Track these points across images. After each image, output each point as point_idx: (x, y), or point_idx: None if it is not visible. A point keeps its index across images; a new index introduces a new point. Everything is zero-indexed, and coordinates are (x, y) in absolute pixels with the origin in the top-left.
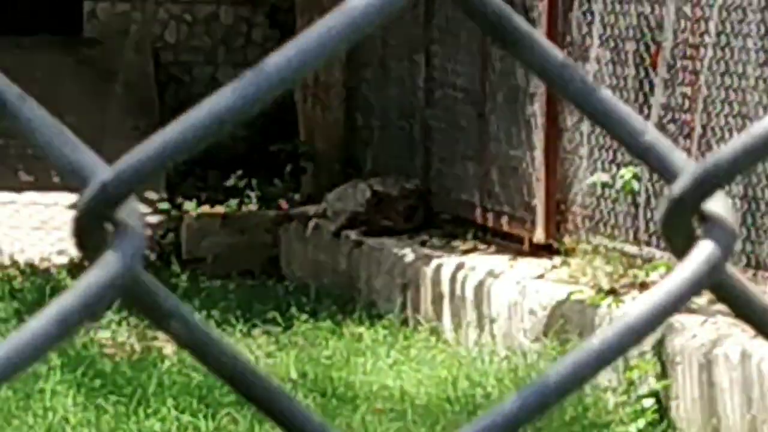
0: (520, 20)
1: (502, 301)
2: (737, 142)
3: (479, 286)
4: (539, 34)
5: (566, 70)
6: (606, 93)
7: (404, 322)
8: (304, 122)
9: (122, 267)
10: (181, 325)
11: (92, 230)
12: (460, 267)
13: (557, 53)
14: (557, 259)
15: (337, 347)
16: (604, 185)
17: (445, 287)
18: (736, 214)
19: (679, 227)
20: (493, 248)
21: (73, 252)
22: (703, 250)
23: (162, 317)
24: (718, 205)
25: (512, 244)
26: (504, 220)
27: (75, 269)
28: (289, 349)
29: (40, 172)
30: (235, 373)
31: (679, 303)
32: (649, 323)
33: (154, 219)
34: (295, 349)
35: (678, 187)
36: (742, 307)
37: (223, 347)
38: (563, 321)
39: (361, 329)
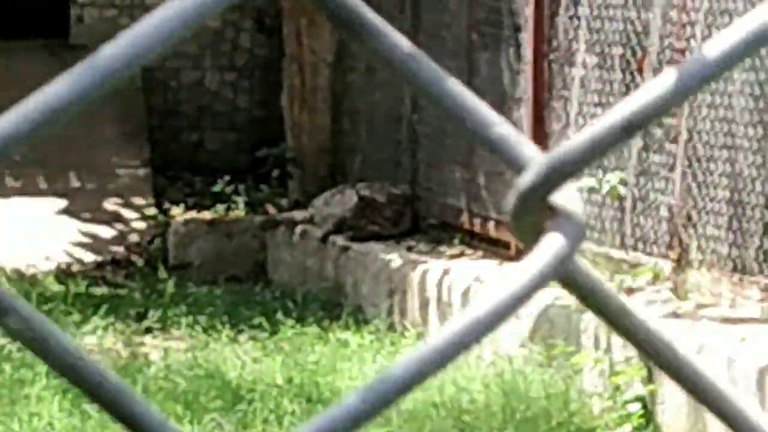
0: (368, 11)
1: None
2: (585, 133)
3: (466, 292)
4: (387, 25)
5: (414, 60)
6: (455, 83)
7: (391, 328)
8: (291, 127)
9: None
10: (17, 321)
11: None
12: (446, 272)
13: (406, 43)
14: None
15: (324, 353)
16: (590, 190)
17: (432, 292)
18: (722, 218)
19: (528, 219)
20: (480, 253)
21: (60, 258)
22: (551, 243)
23: None
24: (567, 197)
25: (499, 250)
26: (491, 225)
27: (61, 275)
28: (276, 355)
29: (26, 178)
30: (76, 369)
31: (525, 297)
32: (495, 318)
33: (141, 225)
34: (281, 355)
35: (526, 179)
36: (593, 301)
37: (63, 343)
38: (549, 326)
39: (348, 335)
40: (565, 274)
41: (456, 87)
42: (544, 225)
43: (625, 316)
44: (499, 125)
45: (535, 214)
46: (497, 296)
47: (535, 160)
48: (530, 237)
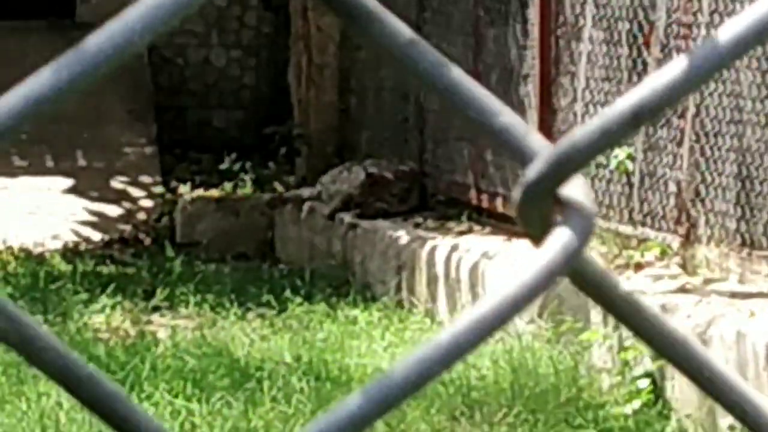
0: None
1: (497, 282)
2: (594, 123)
3: (474, 268)
4: (386, 11)
5: (415, 47)
6: (458, 72)
7: (399, 305)
8: (298, 105)
9: None
10: (2, 321)
11: None
12: (454, 249)
13: (406, 30)
14: None
15: (332, 330)
16: (597, 165)
17: (440, 269)
18: (730, 193)
19: (535, 213)
20: (487, 230)
21: (68, 237)
22: (560, 237)
23: None
24: (576, 189)
25: (507, 226)
26: (499, 201)
27: (69, 254)
28: (284, 333)
29: (33, 157)
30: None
31: (534, 293)
32: (502, 315)
33: (148, 203)
34: (289, 333)
35: (533, 171)
36: (602, 296)
37: (51, 344)
38: (557, 302)
39: (356, 312)
40: (574, 269)
41: (460, 75)
42: (552, 218)
43: (635, 312)
44: (504, 114)
45: (542, 207)
46: (504, 293)
47: (543, 151)
48: (538, 230)
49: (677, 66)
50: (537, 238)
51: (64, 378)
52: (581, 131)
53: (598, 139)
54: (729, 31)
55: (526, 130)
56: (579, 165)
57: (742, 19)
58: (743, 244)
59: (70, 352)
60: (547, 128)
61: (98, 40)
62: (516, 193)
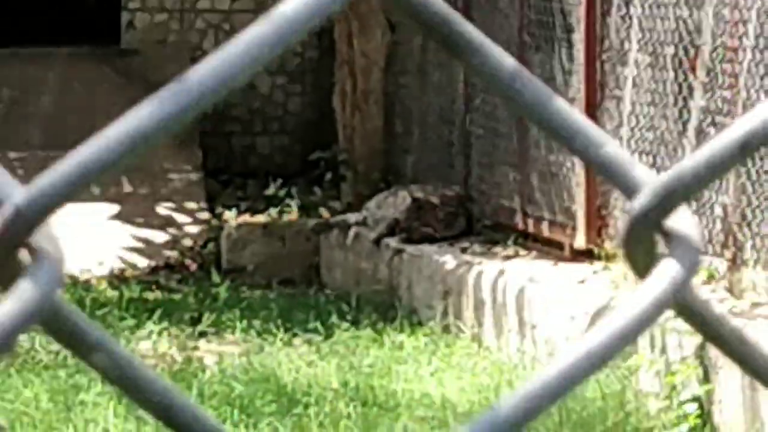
0: (469, 26)
1: (543, 307)
2: (699, 155)
3: (520, 293)
4: (490, 41)
5: (519, 78)
6: (561, 103)
7: (445, 330)
8: (343, 130)
9: (38, 297)
10: (105, 358)
11: (5, 257)
12: (501, 273)
13: (510, 61)
14: (598, 265)
15: (378, 355)
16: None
17: (487, 294)
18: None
19: (641, 245)
20: (533, 254)
21: (114, 263)
22: (667, 269)
23: (84, 349)
24: (682, 221)
25: (553, 250)
26: (544, 225)
27: (115, 280)
28: (330, 358)
29: None
30: (166, 409)
31: (641, 327)
32: (610, 350)
33: (194, 229)
34: (336, 358)
35: (639, 202)
36: (709, 329)
37: (153, 381)
38: None
39: (402, 337)
40: (681, 301)
41: (563, 106)
42: (657, 250)
43: (741, 344)
44: (609, 146)
45: (648, 238)
46: (611, 328)
47: (648, 183)
48: (643, 262)
49: None
50: (641, 270)
51: (165, 416)
52: (688, 162)
53: (705, 171)
54: None
55: (632, 161)
56: (685, 196)
57: None
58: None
59: (172, 389)
60: None
61: (200, 74)
62: (622, 225)
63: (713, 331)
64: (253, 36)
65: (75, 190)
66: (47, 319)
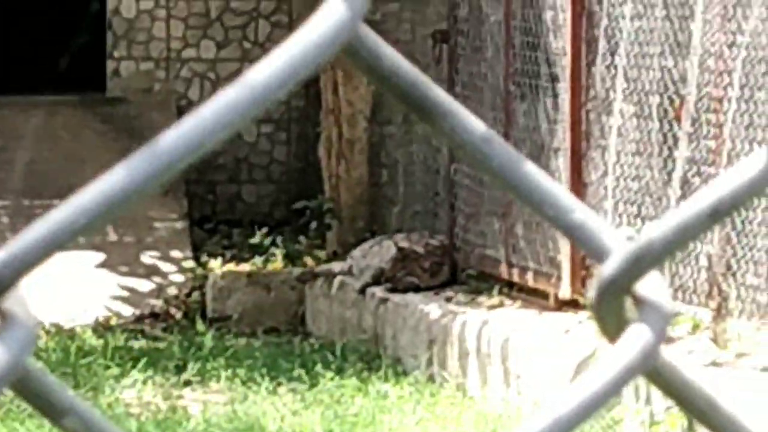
0: (439, 91)
1: (528, 357)
2: (671, 220)
3: (505, 342)
4: (459, 106)
5: (489, 143)
6: (532, 168)
7: (430, 379)
8: (328, 179)
9: (9, 361)
10: (77, 421)
11: None
12: (485, 323)
13: (480, 126)
14: (583, 315)
15: (363, 405)
16: (628, 239)
17: (471, 343)
18: (762, 267)
19: (611, 310)
20: (518, 304)
21: (99, 312)
22: (637, 335)
23: (55, 413)
24: (652, 286)
25: (538, 300)
26: (529, 275)
27: (100, 328)
28: (315, 407)
29: None
30: None
31: (613, 391)
32: (579, 415)
33: (179, 277)
34: (320, 407)
35: (609, 267)
36: (679, 394)
37: None
38: None
39: (387, 386)
40: (651, 367)
41: (533, 171)
42: (627, 314)
43: (712, 410)
44: (578, 211)
45: (618, 303)
46: (580, 393)
47: (618, 248)
48: (614, 326)
49: (756, 161)
50: (612, 334)
51: None
52: (658, 228)
53: (675, 236)
54: None
55: (601, 226)
56: (655, 262)
57: None
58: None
59: None
60: None
61: (171, 139)
62: (592, 290)
63: (684, 398)
64: (225, 102)
65: (47, 254)
66: (18, 383)
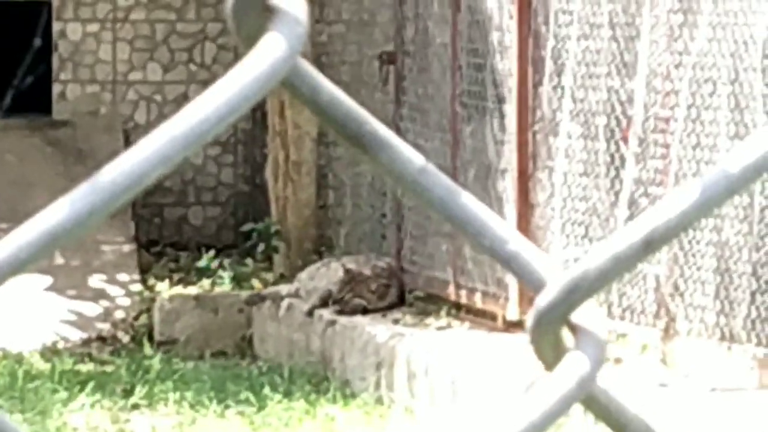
0: (377, 124)
1: (476, 378)
2: (605, 251)
3: (453, 364)
4: (397, 138)
5: (426, 175)
6: (469, 199)
7: (378, 401)
8: (275, 201)
9: None
10: None
11: None
12: (433, 345)
13: (417, 158)
14: None
15: (312, 427)
16: (576, 260)
17: (419, 365)
18: (709, 287)
19: (548, 339)
20: (467, 325)
21: (46, 335)
22: (573, 364)
23: None
24: (587, 316)
25: (486, 321)
26: (477, 296)
27: (47, 352)
28: (264, 430)
29: None
30: None
31: (550, 420)
32: None
33: (126, 301)
34: (269, 430)
35: (545, 298)
36: (615, 421)
37: None
38: None
39: (336, 409)
40: (588, 395)
41: (471, 202)
42: (564, 344)
43: None
44: (513, 242)
45: (555, 333)
46: (519, 423)
47: (553, 278)
48: (551, 355)
49: (688, 193)
50: (550, 363)
51: None
52: (592, 258)
53: (609, 267)
54: (739, 157)
55: (536, 256)
56: (590, 292)
57: (751, 145)
58: (722, 338)
59: None
60: (525, 223)
61: (113, 173)
62: (528, 320)
63: (620, 423)
64: (166, 136)
65: None
66: None
